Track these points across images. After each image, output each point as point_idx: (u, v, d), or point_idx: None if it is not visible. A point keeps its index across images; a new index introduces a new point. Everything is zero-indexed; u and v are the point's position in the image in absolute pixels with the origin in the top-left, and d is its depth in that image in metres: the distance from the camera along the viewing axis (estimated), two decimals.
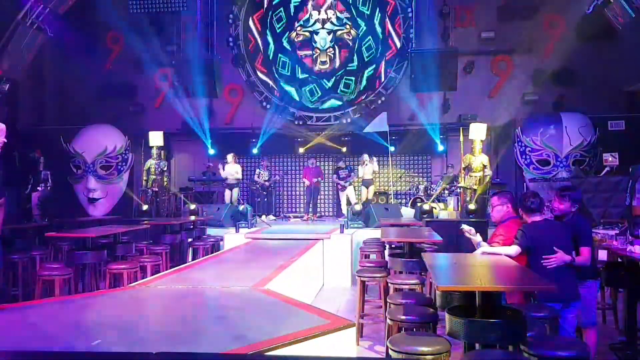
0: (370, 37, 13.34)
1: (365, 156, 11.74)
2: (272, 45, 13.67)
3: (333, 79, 13.51)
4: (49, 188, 10.80)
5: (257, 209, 11.82)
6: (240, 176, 11.77)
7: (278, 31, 13.56)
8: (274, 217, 12.38)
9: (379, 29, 13.31)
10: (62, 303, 4.34)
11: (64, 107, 13.79)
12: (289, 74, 13.61)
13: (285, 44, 13.58)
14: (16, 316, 3.65)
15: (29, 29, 10.88)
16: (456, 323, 2.99)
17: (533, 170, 11.45)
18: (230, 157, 11.69)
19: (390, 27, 13.25)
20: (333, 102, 13.65)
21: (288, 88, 13.69)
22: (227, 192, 11.65)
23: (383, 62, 13.32)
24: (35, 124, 12.76)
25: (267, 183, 12.19)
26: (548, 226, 4.07)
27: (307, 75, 13.58)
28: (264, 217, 11.84)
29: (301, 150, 13.47)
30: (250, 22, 13.60)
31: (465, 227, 4.42)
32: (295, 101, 13.63)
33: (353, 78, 13.48)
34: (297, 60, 13.53)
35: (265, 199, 12.39)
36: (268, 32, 13.63)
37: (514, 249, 3.93)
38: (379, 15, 13.23)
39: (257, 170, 12.39)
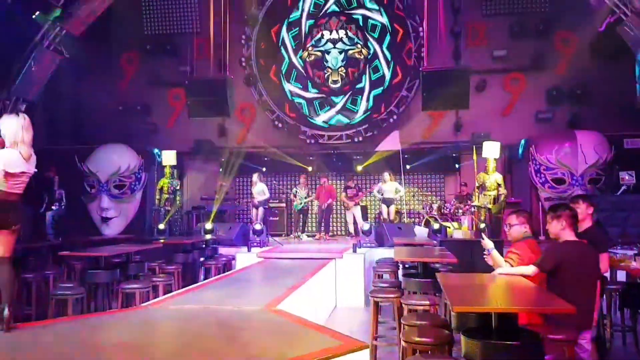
0: (377, 60, 13.44)
1: (386, 174, 11.61)
2: (286, 59, 13.83)
3: (342, 97, 13.60)
4: (63, 207, 10.88)
5: (270, 228, 11.78)
6: (267, 195, 11.69)
7: (293, 46, 13.75)
8: (309, 237, 12.28)
9: (388, 54, 13.40)
10: (75, 322, 4.32)
11: (79, 126, 13.97)
12: (300, 86, 13.74)
13: (298, 60, 13.72)
14: (29, 336, 3.64)
15: (46, 50, 11.07)
16: (472, 345, 2.93)
17: (548, 189, 11.34)
18: (255, 176, 11.65)
19: (399, 55, 13.35)
20: (340, 118, 13.68)
21: (298, 101, 13.77)
22: (254, 211, 11.57)
23: (389, 86, 13.41)
24: (50, 143, 12.93)
25: (302, 202, 12.10)
26: (579, 247, 3.95)
27: (317, 91, 13.68)
28: (303, 235, 11.89)
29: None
30: (267, 36, 13.80)
31: (485, 239, 4.40)
32: (305, 118, 13.69)
33: (360, 96, 13.57)
34: (309, 77, 13.64)
35: (300, 218, 12.30)
36: (282, 48, 13.79)
37: (531, 269, 3.85)
38: (388, 40, 13.35)
39: (294, 190, 12.36)
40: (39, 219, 10.43)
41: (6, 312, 3.54)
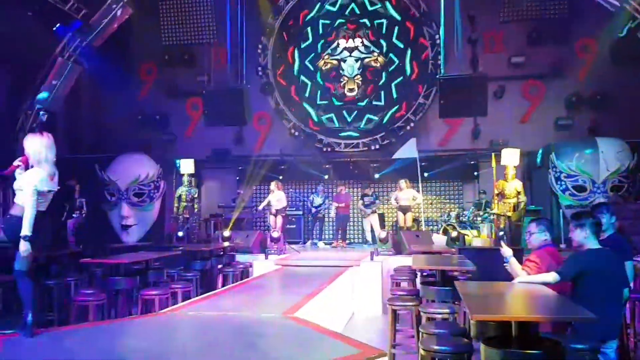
0: (402, 76, 13.40)
1: (402, 182, 11.54)
2: (297, 64, 13.86)
3: (355, 113, 13.56)
4: (83, 215, 11.04)
5: (287, 235, 11.79)
6: (285, 203, 11.71)
7: (309, 59, 13.80)
8: (327, 244, 12.28)
9: (408, 69, 13.38)
10: (96, 328, 4.38)
11: (99, 136, 14.19)
12: (307, 95, 13.77)
13: (309, 66, 13.76)
14: (52, 341, 3.69)
15: (66, 62, 11.29)
16: (492, 354, 2.90)
17: (569, 197, 11.19)
18: (273, 184, 11.66)
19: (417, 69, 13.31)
20: (350, 134, 13.68)
21: (309, 109, 13.81)
22: (272, 218, 11.60)
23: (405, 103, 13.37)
24: (71, 152, 13.14)
25: (314, 209, 12.13)
26: (603, 255, 3.89)
27: (327, 102, 13.71)
28: (320, 243, 11.97)
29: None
30: (282, 51, 13.87)
31: (504, 247, 4.36)
32: (320, 126, 13.72)
33: (377, 117, 13.51)
34: (321, 86, 13.69)
35: (316, 225, 12.37)
36: (296, 53, 13.85)
37: (552, 276, 3.80)
38: (410, 53, 13.34)
39: (312, 196, 12.39)
40: (61, 226, 10.59)
41: (30, 318, 3.61)
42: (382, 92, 13.49)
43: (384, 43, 13.45)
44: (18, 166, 3.73)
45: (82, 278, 7.59)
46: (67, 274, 7.46)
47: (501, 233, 9.65)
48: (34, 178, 3.65)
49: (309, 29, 13.76)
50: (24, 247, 3.59)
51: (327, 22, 13.70)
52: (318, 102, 13.74)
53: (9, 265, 3.80)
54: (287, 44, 13.85)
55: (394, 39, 13.40)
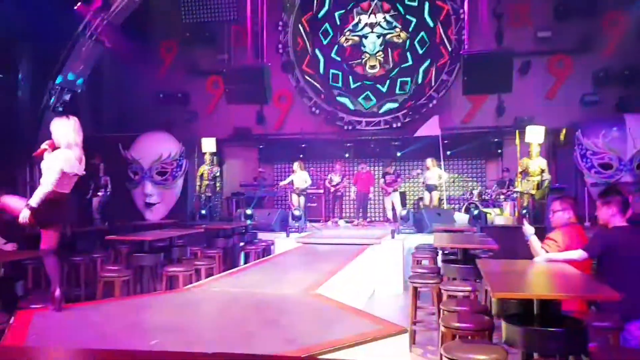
0: (423, 32, 13.17)
1: (428, 160, 11.50)
2: (322, 60, 13.76)
3: (388, 82, 13.44)
4: (108, 193, 11.22)
5: (308, 214, 11.84)
6: (309, 183, 11.73)
7: (325, 43, 13.66)
8: (347, 223, 12.31)
9: (430, 22, 13.15)
10: (122, 303, 4.49)
11: (122, 115, 14.32)
12: (341, 86, 13.66)
13: (334, 56, 13.65)
14: (79, 315, 3.80)
15: (88, 40, 11.34)
16: (513, 331, 2.89)
17: (594, 174, 10.97)
18: (296, 165, 11.69)
19: (443, 33, 13.05)
20: (390, 105, 13.54)
21: (342, 100, 13.70)
22: (294, 197, 11.64)
23: (434, 68, 13.13)
24: (95, 131, 13.31)
25: (334, 188, 12.16)
26: (628, 232, 3.81)
27: (360, 83, 13.57)
28: (341, 222, 12.01)
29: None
30: (300, 26, 13.74)
31: (526, 225, 4.33)
32: (346, 108, 13.64)
33: (409, 78, 13.35)
34: (349, 70, 13.55)
35: (336, 204, 12.38)
36: (317, 49, 13.74)
37: (578, 254, 3.76)
38: (429, 13, 13.09)
39: (329, 176, 12.42)
40: (86, 204, 10.80)
41: (58, 293, 3.71)
42: (409, 54, 13.31)
43: (412, 19, 13.22)
44: (45, 149, 3.78)
45: (108, 255, 7.76)
46: (93, 250, 7.63)
47: (524, 211, 9.55)
48: (61, 158, 3.70)
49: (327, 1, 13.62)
50: (24, 213, 3.64)
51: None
52: (346, 86, 13.66)
53: (36, 244, 3.89)
54: (307, 23, 13.74)
55: (423, 15, 13.20)
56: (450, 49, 12.92)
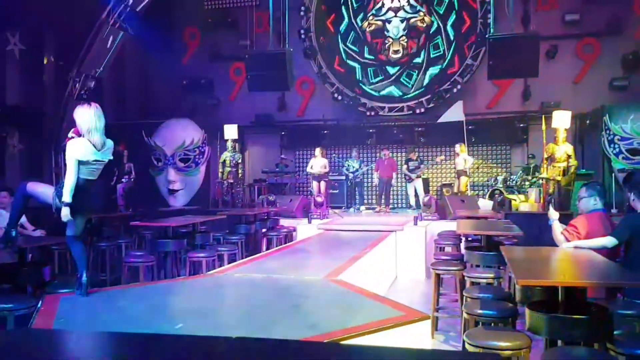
0: (439, 36, 13.06)
1: (457, 146, 11.42)
2: (345, 19, 13.65)
3: (398, 67, 13.33)
4: (132, 180, 11.37)
5: (330, 200, 11.83)
6: (328, 169, 11.76)
7: (355, 8, 13.58)
8: (369, 209, 12.29)
9: (456, 5, 12.98)
10: (146, 288, 4.55)
11: (145, 102, 14.46)
12: (357, 50, 13.58)
13: (358, 22, 13.53)
14: (104, 300, 3.86)
15: (111, 28, 11.43)
16: (537, 319, 2.85)
17: (622, 160, 10.73)
18: (317, 151, 11.74)
19: (468, 17, 12.83)
20: (392, 90, 13.43)
21: (352, 64, 13.63)
22: (315, 184, 11.68)
23: (457, 56, 12.94)
24: (118, 118, 13.47)
25: (352, 174, 12.15)
26: None
27: (373, 58, 13.49)
28: (363, 208, 12.08)
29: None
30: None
31: (551, 210, 4.29)
32: (357, 83, 13.54)
33: (416, 71, 13.27)
34: (368, 41, 13.45)
35: (356, 190, 12.38)
36: (343, 7, 13.64)
37: (608, 240, 3.70)
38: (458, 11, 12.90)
39: (347, 162, 12.40)
40: (111, 191, 10.97)
41: (84, 278, 3.77)
42: (423, 52, 13.17)
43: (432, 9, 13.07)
44: (72, 137, 3.83)
45: (132, 240, 7.89)
46: (118, 236, 7.77)
47: (550, 198, 9.37)
48: (75, 149, 3.75)
49: None
50: (63, 211, 3.72)
51: None
52: (360, 53, 13.57)
53: (62, 230, 3.96)
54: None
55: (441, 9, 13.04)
56: (476, 32, 12.69)
